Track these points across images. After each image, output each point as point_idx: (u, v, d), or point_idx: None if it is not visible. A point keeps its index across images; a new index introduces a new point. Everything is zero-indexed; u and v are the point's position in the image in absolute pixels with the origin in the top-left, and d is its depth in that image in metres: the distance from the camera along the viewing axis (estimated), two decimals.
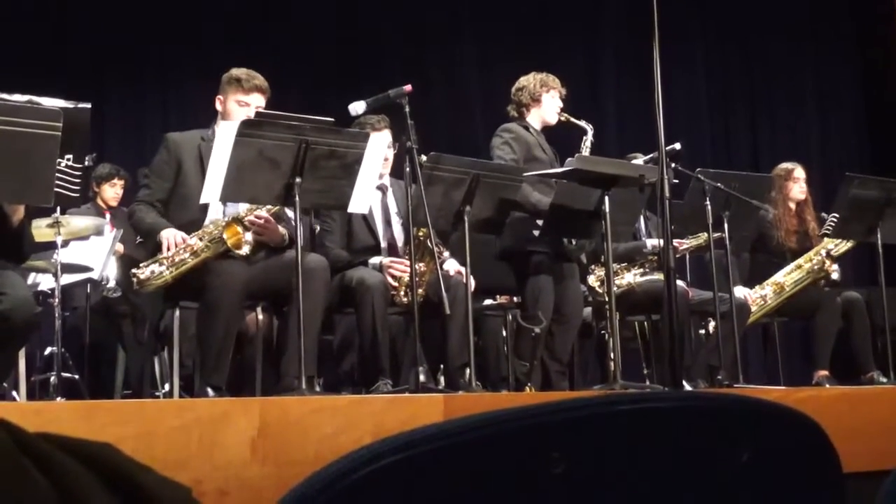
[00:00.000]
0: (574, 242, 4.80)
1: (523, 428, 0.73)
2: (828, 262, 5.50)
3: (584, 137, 4.91)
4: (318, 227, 4.69)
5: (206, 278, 3.77)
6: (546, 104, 4.97)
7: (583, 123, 4.90)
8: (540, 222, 4.62)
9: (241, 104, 4.06)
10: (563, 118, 4.94)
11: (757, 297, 5.51)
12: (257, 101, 4.08)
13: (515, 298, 4.97)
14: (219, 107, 4.15)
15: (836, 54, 8.34)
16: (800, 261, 5.56)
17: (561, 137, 5.15)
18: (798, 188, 5.74)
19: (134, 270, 3.85)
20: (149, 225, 3.96)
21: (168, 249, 3.81)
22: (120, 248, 5.62)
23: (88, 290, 5.71)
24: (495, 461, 0.73)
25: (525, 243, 4.74)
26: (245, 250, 3.83)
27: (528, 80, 5.00)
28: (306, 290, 3.67)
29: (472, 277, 4.20)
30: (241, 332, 4.20)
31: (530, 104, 4.97)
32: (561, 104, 5.00)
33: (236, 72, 4.14)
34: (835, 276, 5.58)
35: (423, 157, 4.04)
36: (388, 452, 0.71)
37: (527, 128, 4.95)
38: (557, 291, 4.75)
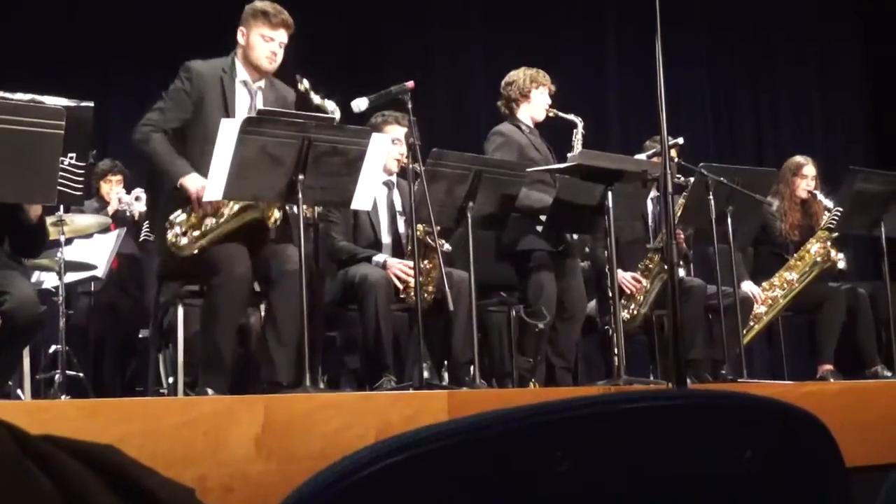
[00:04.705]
0: (575, 238, 4.80)
1: (527, 427, 0.73)
2: (833, 252, 5.49)
3: (575, 131, 4.89)
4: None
5: (210, 280, 3.75)
6: (535, 100, 4.95)
7: (572, 117, 4.87)
8: (543, 218, 4.62)
9: (266, 39, 3.92)
10: (551, 114, 4.92)
11: (767, 297, 5.51)
12: (282, 38, 3.94)
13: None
14: (241, 39, 3.97)
15: (841, 47, 8.31)
16: (800, 253, 5.56)
17: (552, 132, 5.13)
18: (804, 185, 5.71)
19: (169, 237, 3.70)
20: (168, 163, 3.77)
21: (198, 205, 3.70)
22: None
23: (92, 288, 5.72)
24: (499, 460, 0.73)
25: (525, 241, 4.73)
26: (276, 216, 3.77)
27: (518, 76, 4.97)
28: (282, 287, 3.71)
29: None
30: (245, 327, 4.21)
31: (519, 100, 4.95)
32: (549, 101, 4.98)
33: (261, 4, 3.96)
34: (841, 265, 5.57)
35: (419, 167, 3.98)
36: (392, 452, 0.72)
37: (519, 126, 4.93)
38: (560, 287, 4.75)
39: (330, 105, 3.84)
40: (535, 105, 4.95)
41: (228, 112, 3.85)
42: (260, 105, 3.93)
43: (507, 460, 0.73)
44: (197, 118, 3.86)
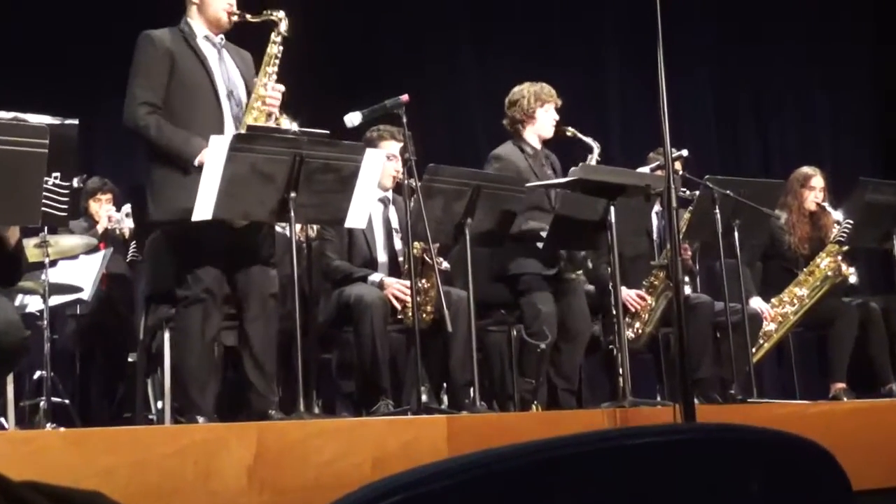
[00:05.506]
0: (570, 264, 4.77)
1: (528, 464, 0.73)
2: (844, 266, 5.49)
3: (590, 156, 4.83)
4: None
5: (181, 300, 3.75)
6: (540, 119, 4.92)
7: (590, 140, 4.80)
8: (543, 234, 4.62)
9: None
10: (569, 133, 4.84)
11: (776, 314, 5.51)
12: None
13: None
14: None
15: (846, 53, 8.32)
16: (810, 267, 5.56)
17: (565, 151, 5.11)
18: (812, 196, 5.70)
19: None
20: (179, 143, 3.69)
21: None
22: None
23: (78, 311, 5.72)
24: (500, 498, 0.73)
25: (516, 265, 4.74)
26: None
27: (522, 94, 4.93)
28: (255, 311, 3.75)
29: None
30: (234, 348, 4.20)
31: (525, 121, 4.92)
32: (556, 116, 4.95)
33: None
34: (852, 279, 5.57)
35: (415, 182, 3.98)
36: (389, 492, 0.72)
37: (521, 148, 4.91)
38: (561, 307, 4.74)
39: (277, 13, 3.87)
40: (542, 124, 4.93)
41: (204, 65, 3.83)
42: (228, 60, 3.94)
43: (508, 498, 0.73)
44: (172, 80, 3.80)
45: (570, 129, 4.86)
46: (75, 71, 6.99)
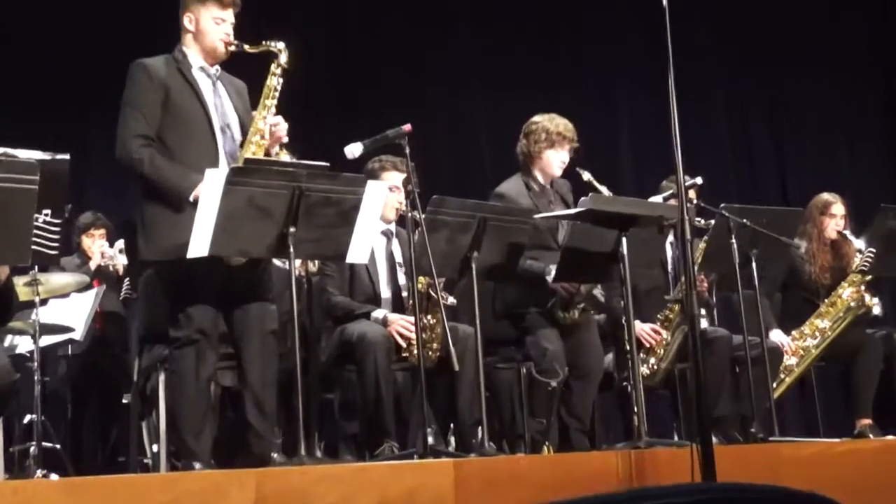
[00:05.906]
0: (567, 314, 4.74)
1: None
2: (867, 297, 5.47)
3: None
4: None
5: (174, 340, 3.73)
6: (547, 160, 4.89)
7: (604, 189, 4.67)
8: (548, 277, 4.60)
9: (218, 21, 3.88)
10: (585, 178, 4.75)
11: (797, 347, 5.47)
12: (231, 18, 3.93)
13: None
14: (188, 25, 3.89)
15: (862, 75, 8.33)
16: (832, 298, 5.53)
17: (580, 178, 5.08)
18: (833, 224, 5.68)
19: None
20: (176, 178, 3.68)
21: None
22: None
23: (70, 351, 5.71)
24: None
25: (515, 303, 4.72)
26: None
27: (536, 129, 4.90)
28: (254, 349, 3.74)
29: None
30: (232, 389, 4.19)
31: (533, 156, 4.92)
32: (566, 158, 4.91)
33: None
34: (876, 310, 5.54)
35: (419, 215, 3.97)
36: None
37: (527, 184, 4.89)
38: (572, 343, 4.71)
39: (277, 44, 3.88)
40: (548, 164, 4.88)
41: (199, 98, 3.83)
42: (223, 92, 3.94)
43: None
44: (166, 113, 3.79)
45: (586, 173, 4.74)
46: (66, 98, 7.03)
